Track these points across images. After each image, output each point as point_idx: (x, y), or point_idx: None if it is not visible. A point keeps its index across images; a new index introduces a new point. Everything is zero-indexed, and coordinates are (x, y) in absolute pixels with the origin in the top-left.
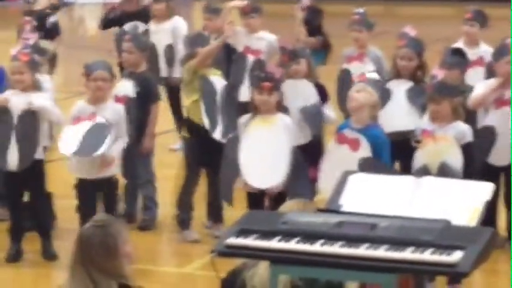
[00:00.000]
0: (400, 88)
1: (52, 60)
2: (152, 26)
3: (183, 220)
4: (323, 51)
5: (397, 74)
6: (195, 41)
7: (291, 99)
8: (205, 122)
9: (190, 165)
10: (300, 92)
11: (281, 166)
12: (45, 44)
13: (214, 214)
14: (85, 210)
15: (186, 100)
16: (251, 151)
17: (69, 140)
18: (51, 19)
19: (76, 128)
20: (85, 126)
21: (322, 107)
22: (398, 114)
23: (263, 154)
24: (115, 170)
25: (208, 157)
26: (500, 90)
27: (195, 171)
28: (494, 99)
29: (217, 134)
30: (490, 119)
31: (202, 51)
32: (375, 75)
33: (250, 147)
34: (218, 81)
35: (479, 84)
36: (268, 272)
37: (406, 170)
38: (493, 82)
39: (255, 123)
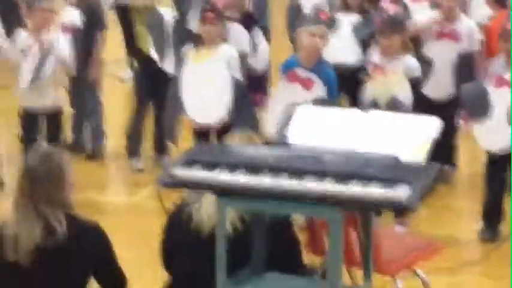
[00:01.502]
0: (348, 21)
1: None
2: None
3: (132, 150)
4: None
5: (345, 6)
6: None
7: None
8: (153, 54)
9: (139, 96)
10: (231, 37)
11: (223, 99)
12: None
13: (160, 146)
14: (28, 139)
15: (136, 27)
16: (192, 86)
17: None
18: None
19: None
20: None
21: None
22: (342, 47)
23: (204, 88)
24: (61, 100)
25: (157, 89)
26: (440, 23)
27: (143, 102)
28: (435, 31)
29: (168, 66)
30: (428, 50)
31: None
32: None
33: (191, 82)
34: (167, 12)
35: (423, 14)
36: (213, 205)
37: (352, 103)
38: (435, 14)
39: (193, 58)
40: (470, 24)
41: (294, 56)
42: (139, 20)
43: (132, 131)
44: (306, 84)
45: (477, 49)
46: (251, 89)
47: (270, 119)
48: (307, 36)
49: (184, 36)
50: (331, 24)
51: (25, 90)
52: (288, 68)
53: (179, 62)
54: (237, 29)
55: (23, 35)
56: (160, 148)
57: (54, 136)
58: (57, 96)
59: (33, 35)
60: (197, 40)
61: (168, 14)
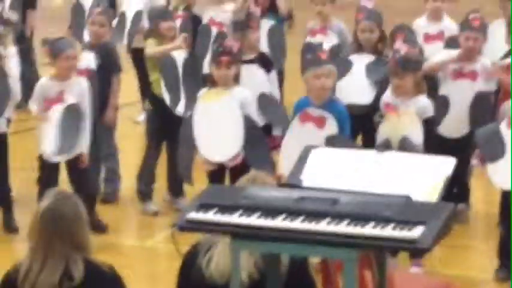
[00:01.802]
0: (361, 62)
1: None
2: None
3: (143, 192)
4: (284, 19)
5: (359, 48)
6: (159, 15)
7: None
8: (166, 99)
9: (151, 138)
10: (250, 79)
11: (235, 137)
12: (12, 14)
13: (175, 188)
14: (47, 183)
15: (151, 74)
16: (205, 125)
17: (48, 135)
18: None
19: (50, 118)
20: (57, 113)
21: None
22: (356, 88)
23: (216, 127)
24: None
25: (170, 131)
26: (458, 62)
27: (155, 144)
28: (453, 71)
29: (180, 110)
30: (445, 89)
31: (165, 48)
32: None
33: (203, 121)
34: (179, 55)
35: (441, 53)
36: (223, 258)
37: (367, 144)
38: (454, 53)
39: (205, 97)
40: (487, 64)
41: (307, 96)
42: (153, 63)
43: (144, 173)
44: (319, 123)
45: (494, 88)
46: (267, 132)
47: (283, 160)
48: (313, 78)
49: (197, 78)
50: (345, 65)
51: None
52: (299, 109)
53: (190, 103)
54: (254, 71)
55: (46, 83)
56: (175, 190)
57: (78, 183)
58: (78, 144)
59: (58, 83)
60: (210, 82)
61: (181, 56)
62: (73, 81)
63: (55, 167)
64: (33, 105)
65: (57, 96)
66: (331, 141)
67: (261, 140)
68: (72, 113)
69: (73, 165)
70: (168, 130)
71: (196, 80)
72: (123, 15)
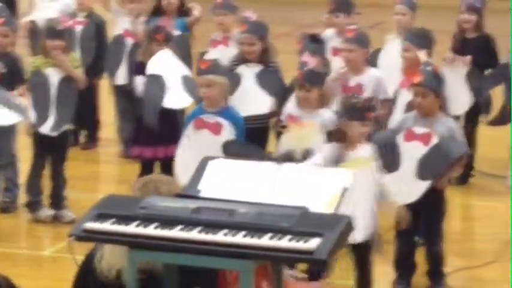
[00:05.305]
0: (249, 73)
1: None
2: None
3: (32, 203)
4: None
5: (243, 59)
6: (47, 33)
7: None
8: (32, 117)
9: (35, 151)
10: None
11: None
12: None
13: (56, 202)
14: None
15: None
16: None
17: None
18: None
19: None
20: None
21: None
22: (249, 99)
23: None
24: None
25: (51, 146)
26: (345, 76)
27: (39, 156)
28: (341, 86)
29: (46, 129)
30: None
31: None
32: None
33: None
34: (54, 74)
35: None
36: (112, 254)
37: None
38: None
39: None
40: (376, 74)
41: (200, 104)
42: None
43: (31, 185)
44: (215, 129)
45: (385, 96)
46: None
47: (179, 165)
48: (200, 87)
49: (72, 97)
50: (234, 78)
51: None
52: (193, 117)
53: (59, 124)
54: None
55: None
56: (56, 203)
57: None
58: None
59: None
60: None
61: (56, 75)
62: None
63: None
64: None
65: None
66: (228, 147)
67: None
68: None
69: None
70: (49, 145)
71: (70, 100)
72: (34, 25)
